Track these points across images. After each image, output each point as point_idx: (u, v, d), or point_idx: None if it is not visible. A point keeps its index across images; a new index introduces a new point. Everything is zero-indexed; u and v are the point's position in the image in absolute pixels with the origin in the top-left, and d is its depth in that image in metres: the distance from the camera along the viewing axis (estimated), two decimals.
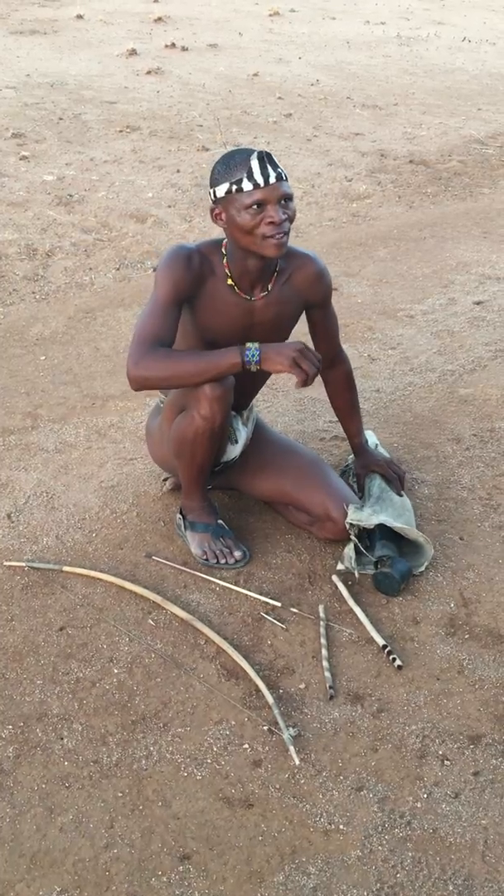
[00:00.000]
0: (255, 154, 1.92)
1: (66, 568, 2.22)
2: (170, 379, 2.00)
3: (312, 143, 6.19)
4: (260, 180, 1.91)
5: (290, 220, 1.99)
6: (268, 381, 2.73)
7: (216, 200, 2.00)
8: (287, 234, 1.97)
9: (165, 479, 2.53)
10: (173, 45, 8.67)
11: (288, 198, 1.97)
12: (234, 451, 2.30)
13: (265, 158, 1.93)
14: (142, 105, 6.67)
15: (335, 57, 8.90)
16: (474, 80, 8.41)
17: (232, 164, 1.95)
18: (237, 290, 2.11)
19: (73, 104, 6.53)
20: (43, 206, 4.71)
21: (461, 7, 12.75)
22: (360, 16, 11.36)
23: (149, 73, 7.61)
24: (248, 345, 1.97)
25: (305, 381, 1.95)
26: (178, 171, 5.39)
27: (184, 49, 8.62)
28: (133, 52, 8.19)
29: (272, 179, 1.93)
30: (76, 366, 3.26)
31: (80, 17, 9.67)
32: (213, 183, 1.99)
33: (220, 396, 2.06)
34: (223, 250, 2.10)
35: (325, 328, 2.33)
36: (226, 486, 2.46)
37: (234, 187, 1.93)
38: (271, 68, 8.17)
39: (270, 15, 10.84)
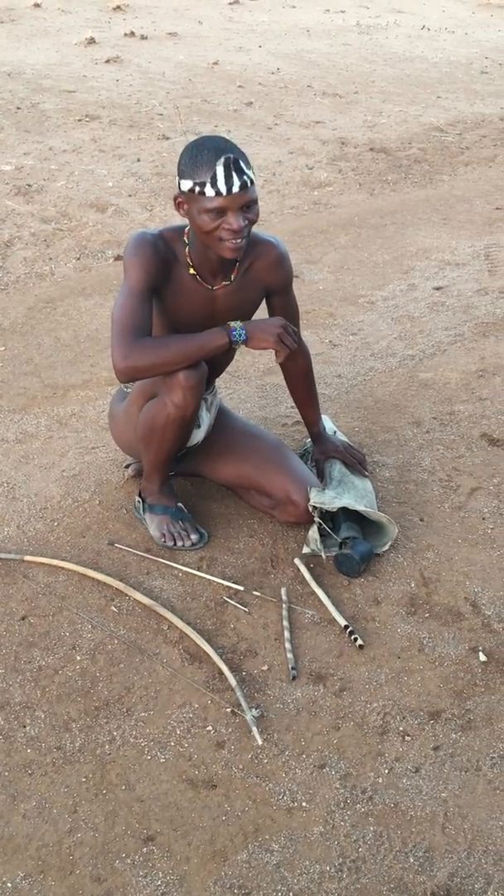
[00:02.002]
0: (222, 160, 1.87)
1: (27, 557, 2.21)
2: (159, 367, 2.00)
3: (273, 131, 6.19)
4: (223, 189, 1.89)
5: (252, 223, 1.99)
6: (229, 368, 2.74)
7: (180, 192, 1.98)
8: (246, 237, 1.98)
9: (128, 466, 2.53)
10: (132, 33, 8.60)
11: (251, 203, 1.95)
12: (197, 435, 2.30)
13: (231, 166, 1.88)
14: (101, 94, 6.62)
15: (295, 45, 8.89)
16: (433, 69, 8.45)
17: (199, 161, 1.90)
18: (199, 279, 2.11)
19: (30, 93, 6.46)
20: (1, 196, 4.66)
21: None
22: (320, 4, 11.36)
23: (108, 61, 7.55)
24: (233, 324, 2.01)
25: (287, 355, 2.04)
26: (139, 159, 5.36)
27: (143, 38, 8.56)
28: (92, 41, 8.12)
29: (235, 188, 1.89)
30: (36, 356, 3.24)
31: (37, 5, 9.56)
32: (179, 173, 1.96)
33: (195, 385, 2.07)
34: (185, 239, 2.10)
35: (285, 315, 2.33)
36: (188, 472, 2.46)
37: (197, 188, 1.90)
38: (231, 57, 8.15)
39: (230, 3, 10.80)
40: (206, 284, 2.12)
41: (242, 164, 1.91)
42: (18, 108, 6.11)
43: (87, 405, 2.91)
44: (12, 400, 2.94)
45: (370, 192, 5.23)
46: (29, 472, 2.56)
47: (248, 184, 1.92)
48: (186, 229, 2.09)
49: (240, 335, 2.01)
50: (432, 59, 8.86)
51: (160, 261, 2.05)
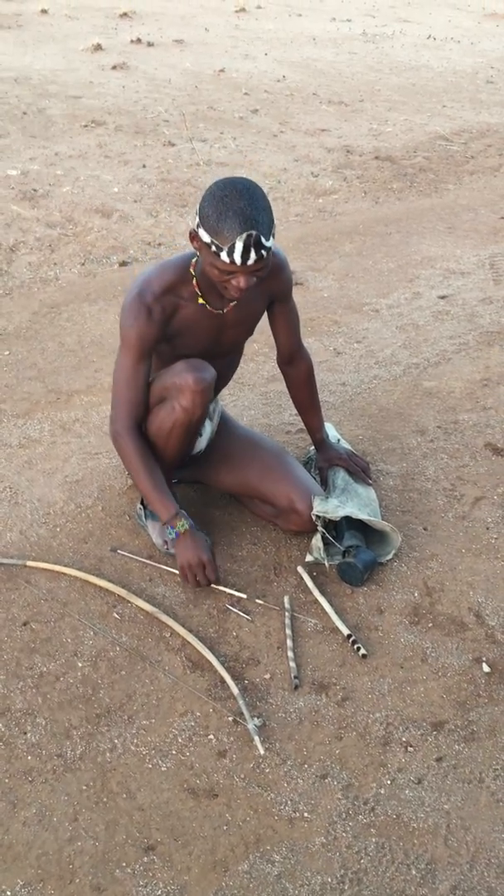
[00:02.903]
0: (244, 237, 1.83)
1: (29, 563, 2.20)
2: (127, 468, 2.18)
3: (279, 138, 6.20)
4: (238, 261, 1.87)
5: (262, 278, 1.99)
6: (234, 376, 2.73)
7: (196, 233, 1.93)
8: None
9: None
10: (139, 40, 8.63)
11: (263, 267, 1.94)
12: (199, 443, 2.30)
13: (251, 243, 1.85)
14: (107, 100, 6.63)
15: (301, 53, 8.92)
16: (439, 78, 8.46)
17: (221, 225, 1.85)
18: (208, 307, 2.10)
19: (37, 99, 6.48)
20: (7, 200, 4.67)
21: (426, 5, 12.83)
22: (327, 13, 11.39)
23: (114, 68, 7.57)
24: (178, 522, 2.10)
25: (195, 585, 2.12)
26: (145, 165, 5.37)
27: (149, 44, 8.59)
28: (98, 48, 8.14)
29: (251, 262, 1.88)
30: (40, 361, 3.24)
31: (44, 11, 9.59)
32: (200, 216, 1.91)
33: (205, 389, 2.07)
34: (192, 270, 2.07)
35: (286, 322, 2.33)
36: (191, 479, 2.46)
37: (214, 247, 1.88)
38: (237, 64, 8.17)
39: (237, 11, 10.84)
40: (216, 310, 2.12)
41: (263, 239, 1.87)
42: (25, 114, 6.12)
43: (90, 410, 2.91)
44: (16, 405, 2.94)
45: (375, 201, 5.24)
46: (32, 478, 2.55)
47: (265, 255, 1.90)
48: (194, 260, 2.07)
49: (171, 534, 2.11)
50: (438, 68, 8.88)
51: (157, 325, 2.06)
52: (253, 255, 1.87)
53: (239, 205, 1.85)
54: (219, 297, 2.10)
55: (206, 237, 1.89)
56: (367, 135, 6.47)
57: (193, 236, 1.95)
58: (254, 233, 1.85)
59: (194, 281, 2.07)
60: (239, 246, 1.85)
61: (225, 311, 2.12)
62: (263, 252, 1.89)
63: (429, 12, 12.24)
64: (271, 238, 1.91)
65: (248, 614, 2.09)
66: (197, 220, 1.93)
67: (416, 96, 7.72)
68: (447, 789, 1.72)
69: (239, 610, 2.10)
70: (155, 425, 2.15)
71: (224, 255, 1.87)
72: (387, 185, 5.50)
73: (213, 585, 2.14)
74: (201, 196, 1.95)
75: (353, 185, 5.44)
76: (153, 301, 2.05)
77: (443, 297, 3.91)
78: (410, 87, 8.04)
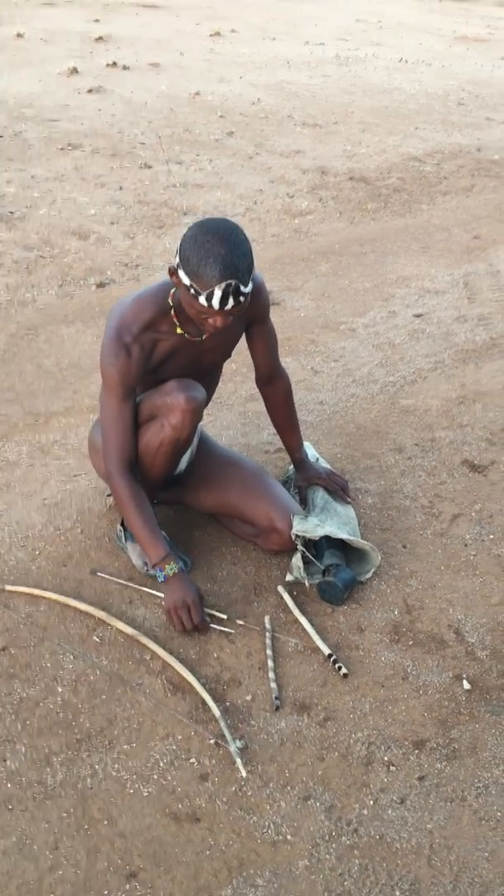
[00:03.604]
0: (223, 286, 1.85)
1: (8, 587, 2.19)
2: (118, 507, 2.17)
3: (254, 160, 6.25)
4: (216, 307, 1.88)
5: (238, 315, 2.00)
6: (213, 396, 2.74)
7: (176, 272, 1.92)
8: None
9: (109, 495, 2.51)
10: (115, 63, 8.68)
11: (240, 311, 1.95)
12: (180, 464, 2.30)
13: (230, 293, 1.86)
14: (83, 123, 6.66)
15: (276, 76, 9.01)
16: (411, 100, 8.58)
17: (202, 270, 1.85)
18: (187, 336, 2.11)
19: (13, 122, 6.50)
20: None
21: (398, 29, 13.03)
22: (300, 37, 11.53)
23: (90, 91, 7.61)
24: (167, 566, 2.08)
25: (181, 628, 2.09)
26: (121, 188, 5.39)
27: (125, 68, 8.64)
28: (74, 71, 8.18)
29: (228, 307, 1.89)
30: (18, 383, 3.22)
31: (20, 35, 9.64)
32: (181, 258, 1.90)
33: (196, 409, 2.08)
34: (170, 301, 2.07)
35: (263, 343, 2.34)
36: (171, 500, 2.45)
37: (193, 290, 1.88)
38: (213, 87, 8.24)
39: (211, 35, 10.94)
40: (195, 338, 2.13)
41: (242, 287, 1.88)
42: (1, 137, 6.14)
43: (69, 432, 2.90)
44: None
45: (350, 221, 5.29)
46: (10, 501, 2.54)
47: (243, 301, 1.91)
48: (172, 291, 2.06)
49: (160, 577, 2.10)
50: (410, 90, 9.00)
51: (137, 363, 2.06)
52: (231, 302, 1.89)
53: (220, 251, 1.85)
54: (197, 328, 2.11)
55: (185, 280, 1.89)
56: (342, 156, 6.54)
57: (173, 272, 1.95)
58: (233, 282, 1.86)
59: (172, 311, 2.07)
60: (217, 294, 1.86)
61: (203, 338, 2.13)
62: (241, 298, 1.90)
63: (400, 36, 12.43)
64: (250, 284, 1.92)
65: (228, 635, 2.08)
66: (177, 259, 1.92)
67: (389, 118, 7.82)
68: (430, 808, 1.72)
69: (220, 627, 2.09)
70: (142, 443, 2.14)
71: (202, 300, 1.88)
72: (362, 206, 5.56)
73: (199, 629, 2.09)
74: (181, 239, 1.93)
75: (329, 206, 5.49)
76: (132, 341, 2.05)
77: (418, 316, 3.94)
78: (383, 109, 8.15)
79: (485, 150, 6.98)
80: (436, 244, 4.92)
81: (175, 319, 2.07)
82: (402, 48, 11.41)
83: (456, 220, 5.40)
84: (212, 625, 2.09)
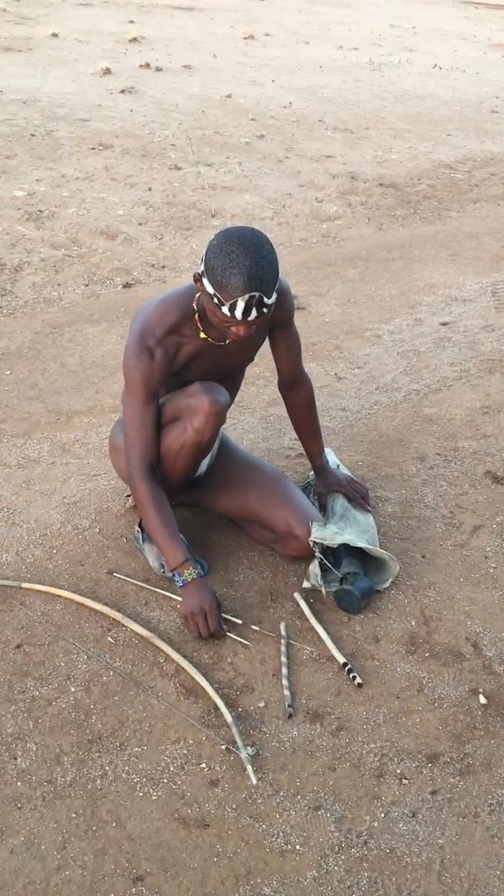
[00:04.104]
0: (247, 297, 1.84)
1: (24, 585, 2.19)
2: (139, 511, 2.16)
3: (284, 164, 6.25)
4: (239, 317, 1.88)
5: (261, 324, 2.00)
6: (235, 400, 2.73)
7: (202, 280, 1.92)
8: None
9: (129, 496, 2.51)
10: (148, 65, 8.72)
11: (263, 321, 1.95)
12: (200, 466, 2.29)
13: (254, 304, 1.86)
14: (115, 123, 6.69)
15: (308, 80, 9.01)
16: (444, 107, 8.54)
17: (226, 280, 1.84)
18: (210, 340, 2.11)
19: (45, 121, 6.54)
20: (12, 221, 4.69)
21: (432, 35, 12.98)
22: (334, 41, 11.52)
23: (122, 91, 7.64)
24: (186, 571, 2.06)
25: (197, 635, 2.07)
26: (150, 189, 5.41)
27: (158, 69, 8.68)
28: (107, 71, 8.23)
29: (252, 318, 1.89)
30: (41, 381, 3.24)
31: (55, 35, 9.71)
32: (207, 265, 1.89)
33: (219, 412, 2.08)
34: (194, 305, 2.06)
35: (287, 348, 2.33)
36: (190, 502, 2.45)
37: (217, 300, 1.88)
38: (245, 90, 8.25)
39: (245, 38, 10.96)
40: (218, 342, 2.12)
41: (266, 298, 1.88)
42: (33, 136, 6.18)
43: (90, 431, 2.91)
44: (16, 424, 2.93)
45: (379, 227, 5.27)
46: (30, 498, 2.54)
47: (266, 312, 1.91)
48: (197, 295, 2.06)
49: (179, 582, 2.08)
50: (443, 97, 8.96)
51: (160, 367, 2.06)
52: (254, 314, 1.88)
53: (245, 263, 1.84)
54: (220, 333, 2.10)
55: (209, 288, 1.89)
56: (372, 162, 6.52)
57: (198, 279, 1.95)
58: (257, 294, 1.85)
59: (196, 316, 2.07)
60: (241, 305, 1.86)
61: (227, 342, 2.12)
62: (265, 310, 1.90)
63: (435, 42, 12.38)
64: (274, 295, 1.91)
65: (243, 640, 2.07)
66: (202, 267, 1.92)
67: (420, 124, 7.79)
68: (442, 823, 1.70)
69: (235, 635, 2.08)
70: (164, 445, 2.14)
71: (225, 310, 1.88)
72: (391, 212, 5.54)
73: (215, 636, 2.07)
74: (207, 248, 1.92)
75: (357, 212, 5.48)
76: (155, 344, 2.05)
77: (444, 324, 3.91)
78: (415, 115, 8.12)
79: None
80: (464, 252, 4.89)
81: (199, 324, 2.07)
82: (436, 54, 11.37)
83: (486, 228, 5.36)
84: (228, 633, 2.08)
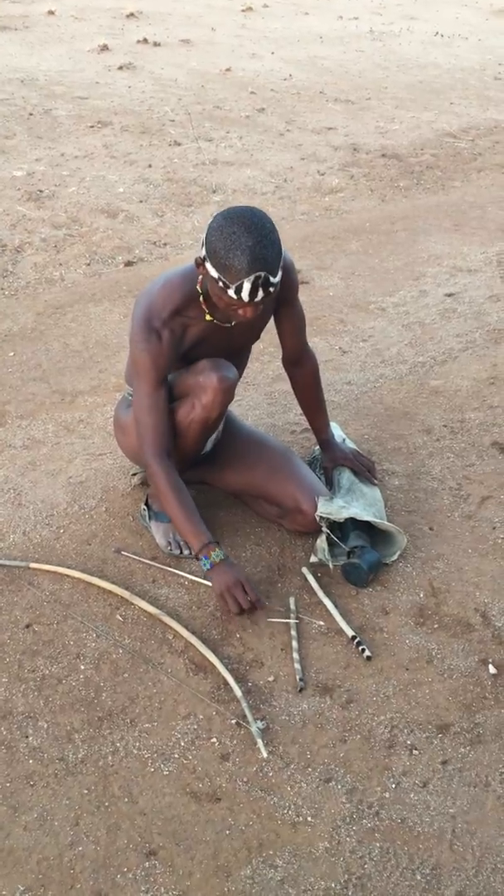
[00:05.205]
0: (252, 278, 1.82)
1: (32, 565, 2.19)
2: (158, 496, 2.12)
3: (285, 137, 6.18)
4: (246, 299, 1.86)
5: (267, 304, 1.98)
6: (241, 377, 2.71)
7: (203, 264, 1.90)
8: None
9: (134, 475, 2.51)
10: (145, 40, 8.62)
11: (269, 300, 1.93)
12: (207, 444, 2.28)
13: (259, 284, 1.84)
14: (113, 100, 6.62)
15: (308, 52, 8.89)
16: (447, 75, 8.42)
17: (230, 262, 1.82)
18: (216, 322, 2.09)
19: (43, 99, 6.48)
20: (13, 201, 4.66)
21: (434, 2, 12.77)
22: (333, 11, 11.35)
23: (120, 68, 7.56)
24: (212, 553, 2.03)
25: (228, 612, 2.04)
26: (150, 165, 5.36)
27: (156, 44, 8.57)
28: (105, 48, 8.13)
29: (258, 298, 1.87)
30: (45, 362, 3.23)
31: (51, 12, 9.59)
32: (208, 249, 1.87)
33: (228, 388, 2.07)
34: (198, 287, 2.04)
35: (291, 324, 2.31)
36: (196, 479, 2.44)
37: (221, 283, 1.86)
38: (244, 63, 8.15)
39: (243, 10, 10.81)
40: (224, 324, 2.10)
41: (271, 277, 1.85)
42: (31, 115, 6.12)
43: (94, 411, 2.90)
44: (20, 406, 2.93)
45: (382, 199, 5.21)
46: (35, 479, 2.54)
47: (272, 291, 1.88)
48: (200, 278, 2.03)
49: (205, 565, 2.04)
50: (445, 65, 8.83)
51: (169, 347, 2.04)
52: (261, 294, 1.86)
53: (248, 243, 1.82)
54: (226, 315, 2.08)
55: (213, 272, 1.86)
56: (374, 133, 6.44)
57: (199, 265, 1.92)
58: (262, 274, 1.83)
59: (201, 298, 2.05)
60: (247, 287, 1.84)
61: (233, 323, 2.10)
62: (271, 289, 1.87)
63: (436, 9, 12.18)
64: (279, 273, 1.89)
65: (251, 616, 2.07)
66: (203, 251, 1.89)
67: (423, 94, 7.68)
68: (453, 793, 1.70)
69: (279, 620, 2.08)
70: (173, 421, 2.13)
71: (231, 293, 1.86)
72: (393, 183, 5.47)
73: (256, 606, 2.03)
74: (207, 229, 1.89)
75: (360, 184, 5.42)
76: (161, 326, 2.03)
77: (449, 295, 3.88)
78: (418, 84, 8.01)
79: None
80: (469, 222, 4.84)
81: (203, 306, 2.05)
82: (437, 22, 11.19)
83: (490, 197, 5.30)
84: (269, 619, 2.06)
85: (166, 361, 2.06)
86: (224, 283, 1.85)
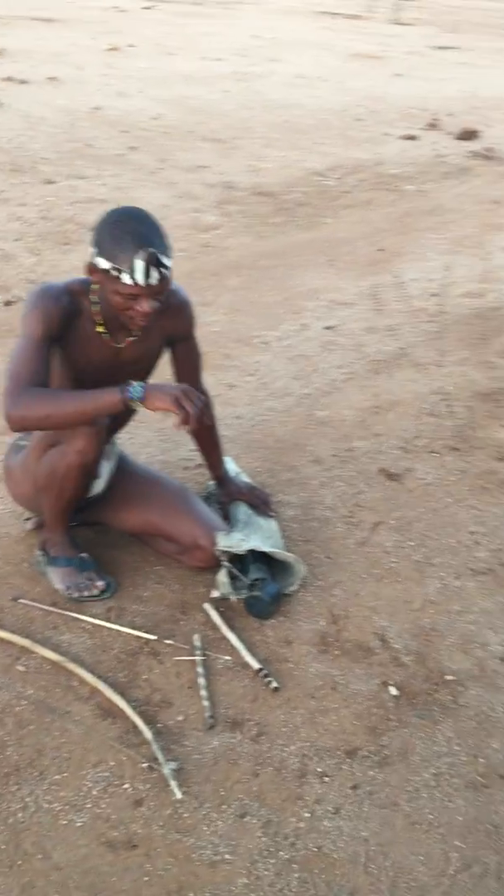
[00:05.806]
0: (143, 254, 1.86)
1: None
2: (49, 418, 1.90)
3: (158, 175, 6.25)
4: (141, 281, 1.88)
5: (163, 303, 2.00)
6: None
7: (94, 265, 1.92)
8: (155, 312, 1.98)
9: (27, 519, 2.46)
10: (11, 78, 8.55)
11: (165, 289, 1.95)
12: (97, 486, 2.27)
13: (151, 262, 1.87)
14: None
15: (175, 91, 9.04)
16: (310, 115, 8.74)
17: (119, 247, 1.86)
18: (105, 337, 2.09)
19: None
20: None
21: (293, 45, 13.26)
22: (197, 52, 11.60)
23: None
24: (132, 383, 1.91)
25: (186, 420, 1.89)
26: (24, 204, 5.30)
27: (22, 82, 8.52)
28: None
29: (153, 281, 1.89)
30: None
31: None
32: (96, 246, 1.90)
33: (96, 432, 2.04)
34: (92, 297, 2.05)
35: (187, 361, 2.34)
36: (92, 520, 2.42)
37: (114, 272, 1.88)
38: (112, 102, 8.20)
39: (109, 49, 10.90)
40: (113, 342, 2.11)
41: (162, 258, 1.89)
42: None
43: None
44: None
45: (258, 235, 5.34)
46: None
47: (166, 273, 1.92)
48: (96, 287, 2.04)
49: (136, 393, 1.89)
50: (309, 106, 9.17)
51: (63, 313, 2.02)
52: (155, 274, 1.89)
53: (134, 226, 1.90)
54: (118, 330, 2.09)
55: (105, 264, 1.90)
56: (246, 171, 6.60)
57: (92, 269, 1.94)
58: (152, 249, 1.88)
59: (93, 308, 2.05)
60: (140, 265, 1.87)
61: (122, 344, 2.11)
62: (164, 270, 1.91)
63: (296, 52, 12.65)
64: (170, 258, 1.94)
65: (157, 656, 2.06)
66: (93, 250, 1.92)
67: (289, 133, 7.95)
68: (364, 816, 1.74)
69: (148, 651, 2.07)
70: (47, 470, 2.10)
71: (126, 278, 1.88)
72: (268, 220, 5.62)
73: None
74: (93, 230, 1.96)
75: (236, 220, 5.54)
76: (61, 293, 2.02)
77: (329, 328, 4.01)
78: (283, 124, 8.27)
79: (384, 164, 7.17)
80: (342, 257, 5.02)
81: (95, 317, 2.06)
82: (298, 64, 11.62)
83: (360, 232, 5.52)
84: (176, 658, 2.05)
85: (56, 322, 1.99)
86: (117, 269, 1.88)
